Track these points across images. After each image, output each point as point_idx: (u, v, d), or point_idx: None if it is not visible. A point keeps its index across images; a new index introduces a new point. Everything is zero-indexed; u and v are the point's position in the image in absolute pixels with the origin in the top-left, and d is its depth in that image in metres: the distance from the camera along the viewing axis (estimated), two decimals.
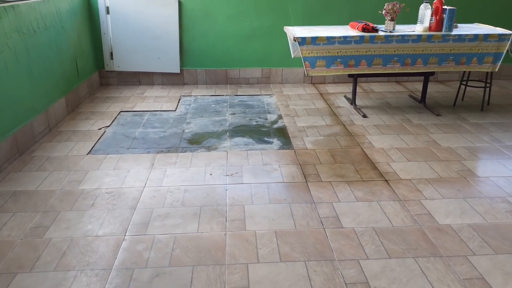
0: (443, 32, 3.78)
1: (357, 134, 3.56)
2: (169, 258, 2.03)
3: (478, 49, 3.78)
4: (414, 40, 3.71)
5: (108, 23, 4.85)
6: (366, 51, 3.72)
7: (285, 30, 4.14)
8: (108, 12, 4.81)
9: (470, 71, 4.21)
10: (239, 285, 1.86)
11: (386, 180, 2.78)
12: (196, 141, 3.44)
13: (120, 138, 3.49)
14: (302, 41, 3.63)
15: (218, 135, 3.56)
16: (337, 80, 5.21)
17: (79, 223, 2.31)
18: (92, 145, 3.33)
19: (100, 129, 3.69)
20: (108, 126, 3.75)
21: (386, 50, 3.74)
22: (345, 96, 4.63)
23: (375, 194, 2.61)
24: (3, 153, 2.93)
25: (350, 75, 4.19)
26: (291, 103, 4.43)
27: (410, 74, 4.22)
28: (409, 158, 3.11)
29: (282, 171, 2.91)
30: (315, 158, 3.11)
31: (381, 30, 3.85)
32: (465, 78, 4.40)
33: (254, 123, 3.87)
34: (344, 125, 3.78)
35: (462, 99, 4.49)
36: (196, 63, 5.08)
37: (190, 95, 4.72)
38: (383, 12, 3.90)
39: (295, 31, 3.85)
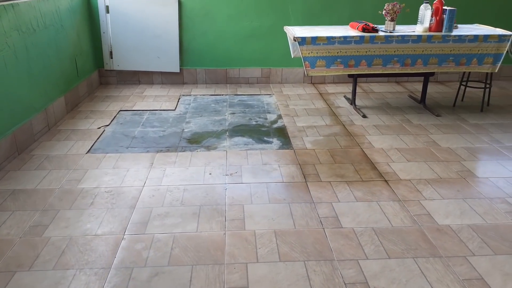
0: (443, 33, 3.78)
1: (357, 134, 3.56)
2: (168, 258, 2.03)
3: (478, 50, 3.78)
4: (414, 40, 3.71)
5: (107, 22, 4.84)
6: (366, 51, 3.72)
7: (285, 30, 4.14)
8: (107, 11, 4.81)
9: (470, 72, 4.21)
10: (238, 285, 1.86)
11: (385, 181, 2.78)
12: (196, 141, 3.44)
13: (119, 137, 3.49)
14: (302, 41, 3.63)
15: (218, 135, 3.56)
16: (337, 80, 5.21)
17: (78, 222, 2.31)
18: (92, 144, 3.33)
19: (99, 128, 3.68)
20: (108, 125, 3.75)
21: (386, 51, 3.73)
22: (345, 96, 4.63)
23: (375, 194, 2.61)
24: (2, 151, 2.92)
25: (350, 75, 4.19)
26: (290, 103, 4.43)
27: (410, 74, 4.22)
28: (409, 158, 3.11)
29: (281, 171, 2.91)
30: (314, 158, 3.11)
31: (381, 31, 3.85)
32: (465, 79, 4.40)
33: (254, 122, 3.86)
34: (343, 125, 3.78)
35: (462, 100, 4.49)
36: (196, 62, 5.08)
37: (190, 95, 4.72)
38: (383, 12, 3.90)
39: (295, 31, 3.85)
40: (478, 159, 3.10)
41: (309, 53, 3.68)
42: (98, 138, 3.45)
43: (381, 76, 4.71)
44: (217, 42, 5.00)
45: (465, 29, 3.98)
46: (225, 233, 2.21)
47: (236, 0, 4.86)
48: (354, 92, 4.24)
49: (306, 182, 2.76)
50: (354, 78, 4.18)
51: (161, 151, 3.23)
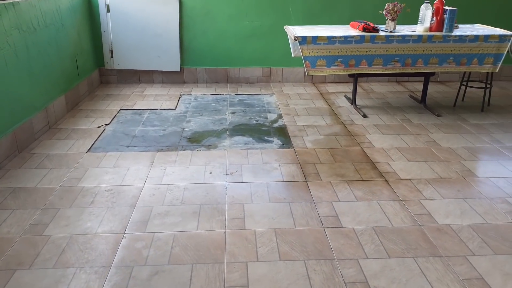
0: (443, 33, 3.78)
1: (357, 133, 3.56)
2: (169, 256, 2.03)
3: (479, 50, 3.78)
4: (415, 40, 3.71)
5: (108, 21, 4.84)
6: (366, 51, 3.72)
7: (285, 30, 4.14)
8: (108, 10, 4.80)
9: (470, 72, 4.21)
10: (238, 284, 1.86)
11: (386, 180, 2.78)
12: (196, 140, 3.44)
13: (119, 136, 3.49)
14: (302, 40, 3.63)
15: (218, 134, 3.56)
16: (337, 80, 5.21)
17: (78, 220, 2.31)
18: (92, 143, 3.33)
19: (99, 127, 3.68)
20: (108, 124, 3.75)
21: (386, 50, 3.73)
22: (345, 96, 4.63)
23: (375, 194, 2.61)
24: (2, 150, 2.92)
25: (350, 75, 4.19)
26: (291, 102, 4.43)
27: (411, 74, 4.22)
28: (409, 158, 3.11)
29: (282, 170, 2.91)
30: (315, 158, 3.11)
31: (382, 30, 3.85)
32: (465, 79, 4.40)
33: (254, 122, 3.87)
34: (344, 124, 3.78)
35: (463, 100, 4.49)
36: (196, 61, 5.08)
37: (190, 94, 4.72)
38: (384, 12, 3.90)
39: (295, 31, 3.85)
40: (478, 159, 3.10)
41: (309, 53, 3.68)
42: (98, 137, 3.45)
43: (381, 75, 4.71)
44: (217, 41, 5.00)
45: (465, 29, 3.98)
46: (225, 232, 2.22)
47: (237, 0, 4.86)
48: (354, 92, 4.24)
49: (306, 181, 2.76)
50: (355, 78, 4.18)
51: (161, 150, 3.23)
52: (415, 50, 3.76)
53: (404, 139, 3.44)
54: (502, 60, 3.81)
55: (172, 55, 4.98)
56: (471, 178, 2.82)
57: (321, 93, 4.77)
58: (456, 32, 3.80)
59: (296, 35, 3.64)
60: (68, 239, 2.15)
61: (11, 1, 3.12)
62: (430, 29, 3.84)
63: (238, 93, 4.77)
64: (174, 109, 4.20)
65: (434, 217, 2.36)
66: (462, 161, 3.06)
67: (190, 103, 4.38)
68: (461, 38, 3.73)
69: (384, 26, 3.95)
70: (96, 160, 3.04)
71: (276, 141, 3.41)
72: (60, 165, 2.96)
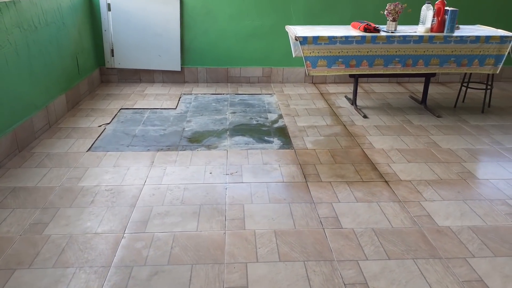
0: (444, 33, 3.77)
1: (358, 134, 3.56)
2: (168, 256, 2.03)
3: (480, 51, 3.77)
4: (416, 41, 3.71)
5: (109, 20, 4.84)
6: (367, 52, 3.72)
7: (286, 30, 4.14)
8: (109, 9, 4.80)
9: (471, 73, 4.21)
10: (238, 284, 1.86)
11: (386, 181, 2.78)
12: (196, 140, 3.44)
13: (120, 136, 3.49)
14: (303, 40, 3.62)
15: (218, 134, 3.56)
16: (338, 80, 5.21)
17: (78, 220, 2.31)
18: (92, 142, 3.33)
19: (100, 126, 3.68)
20: (108, 123, 3.75)
21: (387, 51, 3.73)
22: (345, 96, 4.63)
23: (375, 195, 2.60)
24: (3, 149, 2.92)
25: (351, 75, 4.19)
26: (291, 102, 4.43)
27: (411, 75, 4.22)
28: (409, 159, 3.11)
29: (282, 170, 2.91)
30: (315, 158, 3.11)
31: (383, 31, 3.85)
32: (466, 80, 4.40)
33: (255, 122, 3.86)
34: (344, 125, 3.78)
35: (463, 101, 4.49)
36: (197, 61, 5.07)
37: (191, 93, 4.71)
38: (385, 12, 3.90)
39: (296, 31, 3.84)
40: (478, 161, 3.10)
41: (310, 53, 3.68)
42: (98, 136, 3.45)
43: (382, 76, 4.70)
44: (218, 41, 4.99)
45: (466, 30, 3.98)
46: (225, 233, 2.21)
47: None
48: (355, 92, 4.23)
49: (306, 182, 2.76)
50: (355, 78, 4.18)
51: (161, 149, 3.23)
52: (416, 51, 3.75)
53: (404, 140, 3.44)
54: (503, 61, 3.81)
55: (172, 54, 4.97)
56: (471, 179, 2.81)
57: (321, 94, 4.77)
58: (457, 33, 3.80)
59: (297, 35, 3.64)
60: (68, 238, 2.15)
61: None
62: (431, 29, 3.84)
63: (239, 93, 4.77)
64: (175, 108, 4.20)
65: (434, 219, 2.36)
66: (462, 162, 3.06)
67: (190, 103, 4.38)
68: (462, 39, 3.73)
69: (385, 26, 3.95)
70: (96, 159, 3.04)
71: (277, 142, 3.41)
72: (60, 164, 2.96)
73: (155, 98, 4.49)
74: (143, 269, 1.95)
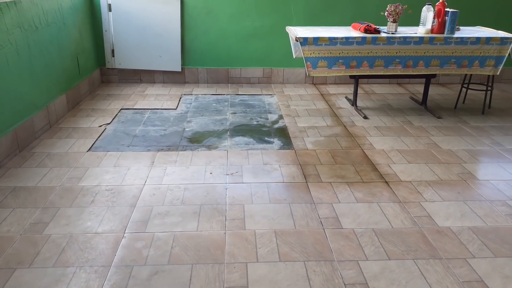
0: (445, 35, 3.78)
1: (358, 135, 3.56)
2: (168, 256, 2.03)
3: (480, 52, 3.78)
4: (416, 42, 3.71)
5: (110, 21, 4.84)
6: (368, 53, 3.72)
7: (287, 30, 4.14)
8: (110, 10, 4.81)
9: (471, 74, 4.21)
10: (238, 284, 1.86)
11: (386, 182, 2.78)
12: (197, 140, 3.44)
13: (120, 136, 3.49)
14: (304, 41, 3.63)
15: (219, 134, 3.56)
16: (338, 81, 5.21)
17: (78, 219, 2.31)
18: (93, 142, 3.33)
19: (100, 126, 3.68)
20: (109, 124, 3.75)
21: (388, 52, 3.73)
22: (346, 97, 4.63)
23: (375, 196, 2.61)
24: (3, 148, 2.93)
25: (351, 76, 4.19)
26: (292, 103, 4.43)
27: (412, 76, 4.22)
28: (410, 160, 3.11)
29: (282, 171, 2.91)
30: (315, 159, 3.11)
31: (383, 32, 3.85)
32: (466, 81, 4.40)
33: (255, 122, 3.87)
34: (345, 126, 3.78)
35: (463, 102, 4.49)
36: (198, 61, 5.08)
37: (191, 94, 4.72)
38: (386, 13, 3.90)
39: (297, 31, 3.85)
40: (479, 162, 3.10)
41: (311, 54, 3.68)
42: (99, 137, 3.45)
43: (382, 77, 4.70)
44: (218, 41, 5.00)
45: (467, 31, 3.98)
46: (225, 233, 2.22)
47: (238, 0, 4.86)
48: (355, 93, 4.24)
49: (306, 182, 2.76)
50: (356, 79, 4.18)
51: (162, 150, 3.23)
52: (416, 52, 3.76)
53: (404, 141, 3.44)
54: (503, 62, 3.81)
55: (173, 55, 4.98)
56: (471, 180, 2.82)
57: (322, 94, 4.77)
58: (457, 34, 3.80)
59: (297, 36, 3.64)
60: (68, 238, 2.15)
61: None
62: (432, 31, 3.84)
63: (239, 93, 4.77)
64: (175, 109, 4.20)
65: (434, 219, 2.36)
66: (462, 163, 3.06)
67: (191, 103, 4.38)
68: (463, 40, 3.73)
69: (385, 27, 3.95)
70: (97, 159, 3.04)
71: (277, 142, 3.41)
72: (61, 164, 2.96)
73: (156, 99, 4.49)
74: (143, 268, 1.95)
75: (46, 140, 3.36)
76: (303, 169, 2.94)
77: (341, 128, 3.72)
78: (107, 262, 1.98)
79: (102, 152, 3.16)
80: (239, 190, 2.65)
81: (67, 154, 3.12)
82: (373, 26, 3.81)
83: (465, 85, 4.39)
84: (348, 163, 3.05)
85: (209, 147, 3.29)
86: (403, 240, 2.17)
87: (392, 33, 3.81)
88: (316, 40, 3.63)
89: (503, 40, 3.74)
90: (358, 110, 4.16)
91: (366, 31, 3.78)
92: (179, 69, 5.05)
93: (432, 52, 3.76)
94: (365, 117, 3.98)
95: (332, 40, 3.64)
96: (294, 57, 4.20)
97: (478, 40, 3.73)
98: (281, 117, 4.01)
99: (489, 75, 4.10)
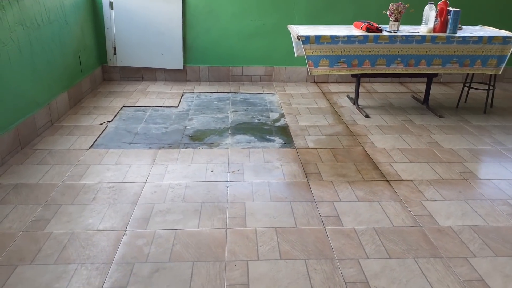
0: (447, 34, 3.77)
1: (359, 134, 3.56)
2: (170, 254, 2.03)
3: (482, 52, 3.77)
4: (418, 41, 3.71)
5: (111, 18, 4.85)
6: (369, 51, 3.71)
7: (288, 29, 4.14)
8: (112, 7, 4.81)
9: (473, 73, 4.20)
10: (239, 282, 1.86)
11: (387, 181, 2.78)
12: (198, 138, 3.44)
13: (122, 133, 3.49)
14: (306, 39, 3.63)
15: (220, 132, 3.56)
16: (340, 80, 5.21)
17: (80, 216, 2.32)
18: (94, 140, 3.34)
19: (102, 123, 3.69)
20: (110, 121, 3.75)
21: (390, 51, 3.73)
22: (347, 96, 4.63)
23: (376, 194, 2.61)
24: (5, 146, 2.93)
25: (353, 75, 4.19)
26: (293, 101, 4.43)
27: (414, 75, 4.22)
28: (411, 159, 3.11)
29: (283, 169, 2.91)
30: (316, 157, 3.11)
31: (385, 31, 3.85)
32: (468, 80, 4.39)
33: (256, 121, 3.87)
34: (346, 124, 3.78)
35: (465, 101, 4.48)
36: (199, 60, 5.08)
37: (193, 92, 4.72)
38: (388, 12, 3.89)
39: (299, 30, 3.84)
40: (480, 161, 3.10)
41: (312, 52, 3.68)
42: (100, 134, 3.46)
43: (384, 76, 4.70)
44: (220, 39, 5.00)
45: (469, 31, 3.97)
46: (226, 230, 2.22)
47: None
48: (357, 92, 4.23)
49: (307, 181, 2.76)
50: (357, 78, 4.18)
51: (163, 147, 3.23)
52: (418, 51, 3.75)
53: (406, 140, 3.44)
54: (505, 62, 3.80)
55: (175, 53, 4.98)
56: (472, 179, 2.81)
57: (323, 93, 4.77)
58: (459, 33, 3.79)
59: (299, 34, 3.64)
60: (70, 235, 2.16)
61: None
62: (434, 30, 3.83)
63: (241, 91, 4.77)
64: (177, 107, 4.20)
65: (435, 218, 2.36)
66: (464, 162, 3.06)
67: (192, 101, 4.39)
68: (465, 40, 3.72)
69: (387, 26, 3.95)
70: (98, 157, 3.05)
71: (278, 140, 3.42)
72: (62, 161, 2.97)
73: (157, 96, 4.50)
74: (145, 266, 1.95)
75: (47, 137, 3.37)
76: (304, 168, 2.94)
77: (342, 127, 3.72)
78: (108, 259, 1.99)
79: (104, 150, 3.16)
80: (240, 188, 2.65)
81: (69, 151, 3.13)
82: (375, 24, 3.81)
83: (467, 84, 4.38)
84: (349, 161, 3.05)
85: (210, 145, 3.30)
86: (404, 239, 2.17)
87: (394, 32, 3.80)
88: (318, 39, 3.63)
89: (505, 40, 3.74)
90: (360, 108, 4.16)
91: (368, 29, 3.78)
92: (181, 67, 5.05)
93: (434, 51, 3.76)
94: (367, 116, 3.98)
95: (334, 39, 3.64)
96: (295, 55, 4.20)
97: (480, 39, 3.72)
98: (282, 115, 4.01)
99: (491, 74, 4.09)
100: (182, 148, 3.23)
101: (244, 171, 2.87)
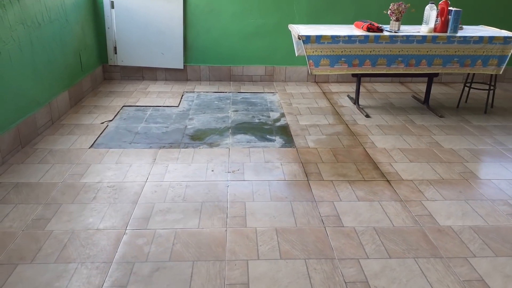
0: (448, 34, 3.77)
1: (360, 134, 3.56)
2: (170, 253, 2.03)
3: (483, 52, 3.77)
4: (419, 41, 3.70)
5: (112, 18, 4.85)
6: (370, 51, 3.71)
7: (289, 28, 4.14)
8: (112, 7, 4.81)
9: (474, 73, 4.20)
10: (239, 281, 1.86)
11: (387, 180, 2.78)
12: (198, 137, 3.44)
13: (122, 133, 3.49)
14: (306, 39, 3.62)
15: (221, 132, 3.56)
16: (340, 80, 5.21)
17: (80, 216, 2.32)
18: (95, 139, 3.34)
19: (102, 123, 3.69)
20: (111, 121, 3.76)
21: (390, 50, 3.73)
22: (348, 96, 4.63)
23: (377, 194, 2.61)
24: (6, 145, 2.94)
25: (353, 75, 4.18)
26: (294, 101, 4.43)
27: (414, 75, 4.22)
28: (411, 159, 3.10)
29: (283, 169, 2.91)
30: (317, 157, 3.11)
31: (386, 30, 3.85)
32: (469, 80, 4.39)
33: (257, 120, 3.87)
34: (346, 124, 3.77)
35: (466, 101, 4.48)
36: (200, 59, 5.08)
37: (193, 91, 4.72)
38: (388, 12, 3.89)
39: (299, 29, 3.84)
40: (480, 161, 3.10)
41: (313, 52, 3.68)
42: (101, 133, 3.46)
43: (385, 76, 4.70)
44: (221, 39, 5.00)
45: (470, 30, 3.97)
46: (226, 230, 2.22)
47: None
48: (357, 92, 4.23)
49: (308, 180, 2.76)
50: (358, 78, 4.18)
51: (164, 147, 3.24)
52: (419, 51, 3.75)
53: (406, 140, 3.44)
54: (506, 62, 3.80)
55: (175, 52, 4.98)
56: (473, 179, 2.81)
57: (324, 93, 4.76)
58: (460, 33, 3.79)
59: (300, 34, 3.64)
60: (70, 234, 2.16)
61: None
62: (435, 29, 3.83)
63: (241, 91, 4.77)
64: (177, 106, 4.20)
65: (435, 218, 2.36)
66: (464, 162, 3.06)
67: (193, 101, 4.39)
68: (466, 40, 3.72)
69: (388, 26, 3.95)
70: (99, 156, 3.05)
71: (278, 140, 3.42)
72: (63, 160, 2.97)
73: (158, 96, 4.50)
74: (145, 265, 1.95)
75: (48, 136, 3.37)
76: (304, 167, 2.94)
77: (343, 127, 3.72)
78: (109, 258, 1.99)
79: (104, 149, 3.17)
80: (240, 187, 2.65)
81: (69, 150, 3.13)
82: (376, 24, 3.81)
83: (468, 84, 4.38)
84: (350, 161, 3.05)
85: (210, 145, 3.30)
86: (404, 239, 2.17)
87: (395, 32, 3.80)
88: (319, 38, 3.63)
89: (506, 40, 3.73)
90: (360, 108, 4.16)
91: (368, 29, 3.78)
92: (181, 67, 5.05)
93: (435, 51, 3.76)
94: (367, 116, 3.98)
95: (334, 38, 3.64)
96: (296, 55, 4.20)
97: (481, 39, 3.72)
98: (283, 115, 4.01)
99: (491, 74, 4.08)
100: (183, 148, 3.23)
101: (244, 171, 2.87)
